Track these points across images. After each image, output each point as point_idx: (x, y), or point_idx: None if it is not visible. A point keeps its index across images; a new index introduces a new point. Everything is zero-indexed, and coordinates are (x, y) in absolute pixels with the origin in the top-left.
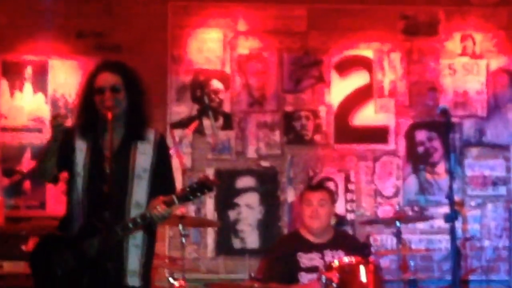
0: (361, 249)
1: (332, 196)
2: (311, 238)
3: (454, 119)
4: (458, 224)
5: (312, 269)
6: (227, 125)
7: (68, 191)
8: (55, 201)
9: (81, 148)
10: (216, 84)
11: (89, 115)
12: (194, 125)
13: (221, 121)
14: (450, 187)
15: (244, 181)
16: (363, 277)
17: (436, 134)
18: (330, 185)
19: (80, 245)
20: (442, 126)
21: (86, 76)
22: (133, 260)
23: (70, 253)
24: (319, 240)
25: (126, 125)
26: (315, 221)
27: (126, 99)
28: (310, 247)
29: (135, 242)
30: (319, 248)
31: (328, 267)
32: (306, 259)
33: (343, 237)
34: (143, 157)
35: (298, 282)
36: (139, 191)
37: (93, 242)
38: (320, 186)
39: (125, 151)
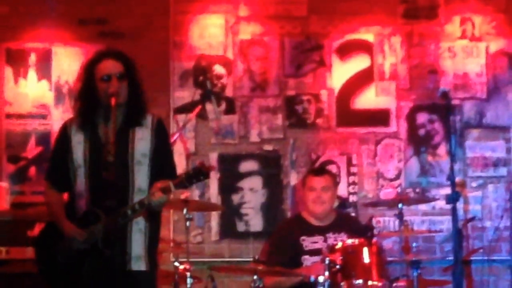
0: (364, 231)
1: (335, 180)
2: (313, 221)
3: (454, 102)
4: (459, 205)
5: (316, 252)
6: (230, 110)
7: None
8: None
9: (78, 141)
10: (218, 69)
11: (90, 102)
12: (197, 110)
13: (223, 105)
14: (451, 169)
15: (247, 165)
16: (366, 259)
17: (436, 116)
18: (332, 168)
19: None
20: (443, 108)
21: (86, 63)
22: (137, 245)
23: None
24: (321, 223)
25: (125, 113)
26: (319, 206)
27: (128, 88)
28: (313, 230)
29: (138, 227)
30: (322, 231)
31: (331, 249)
32: (309, 242)
33: (346, 220)
34: (141, 142)
35: (301, 265)
36: (141, 176)
37: (93, 229)
38: (322, 170)
39: (123, 138)
